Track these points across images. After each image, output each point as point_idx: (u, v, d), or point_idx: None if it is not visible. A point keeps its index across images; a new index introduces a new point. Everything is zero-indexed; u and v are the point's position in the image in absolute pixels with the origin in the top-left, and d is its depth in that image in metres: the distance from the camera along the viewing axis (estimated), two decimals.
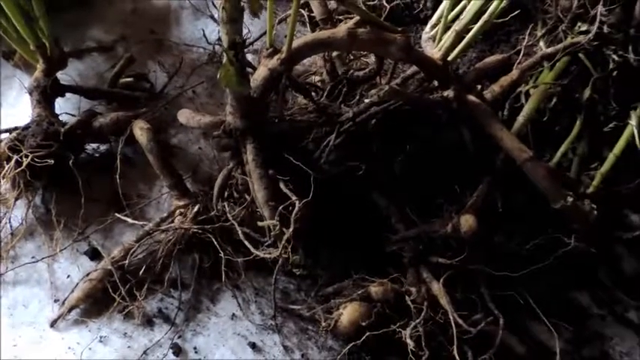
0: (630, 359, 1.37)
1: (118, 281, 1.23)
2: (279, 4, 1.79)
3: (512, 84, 1.44)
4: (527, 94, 1.46)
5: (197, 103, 1.60)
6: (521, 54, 1.53)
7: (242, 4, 1.02)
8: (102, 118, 1.40)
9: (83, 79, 1.59)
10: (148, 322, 1.27)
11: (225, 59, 1.08)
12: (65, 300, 1.25)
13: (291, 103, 1.47)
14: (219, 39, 1.24)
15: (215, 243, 1.26)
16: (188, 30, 1.74)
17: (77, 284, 1.26)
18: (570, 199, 1.26)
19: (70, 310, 1.25)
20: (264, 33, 1.56)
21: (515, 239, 1.34)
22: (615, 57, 1.49)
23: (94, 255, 1.33)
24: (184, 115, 1.35)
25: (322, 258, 1.31)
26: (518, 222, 1.36)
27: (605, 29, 1.48)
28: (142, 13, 1.76)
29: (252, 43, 1.62)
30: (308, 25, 1.58)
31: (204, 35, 1.62)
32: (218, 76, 1.08)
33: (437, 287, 1.23)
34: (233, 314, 1.30)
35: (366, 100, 1.31)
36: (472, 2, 1.27)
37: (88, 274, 1.26)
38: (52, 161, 1.29)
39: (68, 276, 1.30)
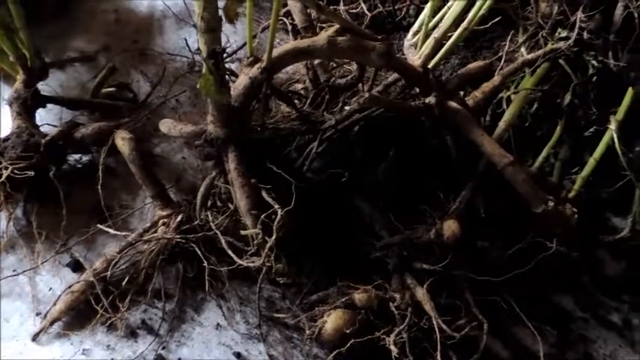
0: None
1: (100, 293, 1.22)
2: (262, 12, 1.79)
3: (494, 90, 1.45)
4: (509, 100, 1.47)
5: (180, 112, 1.59)
6: (503, 60, 1.54)
7: (220, 13, 1.02)
8: (84, 128, 1.39)
9: (65, 89, 1.58)
10: (132, 334, 1.25)
11: (204, 68, 1.08)
12: (47, 313, 1.24)
13: (274, 111, 1.47)
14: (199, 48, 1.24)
15: (199, 252, 1.25)
16: (171, 39, 1.74)
17: (59, 297, 1.24)
18: (551, 204, 1.27)
19: (52, 323, 1.23)
20: None
21: (497, 244, 1.35)
22: (595, 62, 1.52)
23: (77, 267, 1.32)
24: (166, 125, 1.35)
25: (306, 266, 1.30)
26: (500, 227, 1.37)
27: (585, 35, 1.51)
28: (124, 23, 1.75)
29: (235, 52, 1.62)
30: (291, 33, 1.59)
31: (187, 44, 1.62)
32: (198, 85, 1.08)
33: (421, 293, 1.23)
34: (218, 324, 1.29)
35: (348, 108, 1.32)
36: (450, 10, 1.28)
37: (70, 287, 1.25)
38: (33, 173, 1.28)
39: (50, 289, 1.29)
